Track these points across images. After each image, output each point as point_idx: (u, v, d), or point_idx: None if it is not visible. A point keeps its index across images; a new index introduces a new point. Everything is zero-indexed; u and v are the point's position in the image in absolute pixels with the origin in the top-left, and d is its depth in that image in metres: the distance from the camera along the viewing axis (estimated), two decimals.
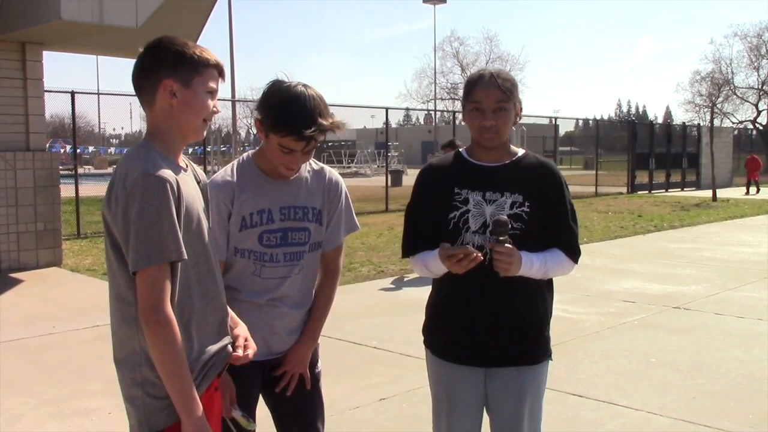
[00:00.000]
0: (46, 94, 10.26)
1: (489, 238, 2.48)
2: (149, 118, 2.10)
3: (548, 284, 2.65)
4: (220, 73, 2.12)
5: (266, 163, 2.53)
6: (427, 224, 2.61)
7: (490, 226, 2.46)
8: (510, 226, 2.42)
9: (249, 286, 2.54)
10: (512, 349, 2.56)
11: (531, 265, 2.47)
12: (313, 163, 2.66)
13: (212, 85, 2.09)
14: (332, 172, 2.70)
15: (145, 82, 2.06)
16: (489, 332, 2.55)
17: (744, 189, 27.42)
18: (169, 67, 2.03)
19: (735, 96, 41.03)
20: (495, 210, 2.52)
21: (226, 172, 2.55)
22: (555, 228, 2.58)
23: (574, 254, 2.60)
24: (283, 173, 2.51)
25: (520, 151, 2.65)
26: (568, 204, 2.60)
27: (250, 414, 2.52)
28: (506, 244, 2.40)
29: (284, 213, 2.53)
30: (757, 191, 26.88)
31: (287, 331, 2.61)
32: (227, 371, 2.30)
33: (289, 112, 2.36)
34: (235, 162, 2.60)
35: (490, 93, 2.50)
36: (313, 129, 2.37)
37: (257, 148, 2.61)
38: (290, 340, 2.63)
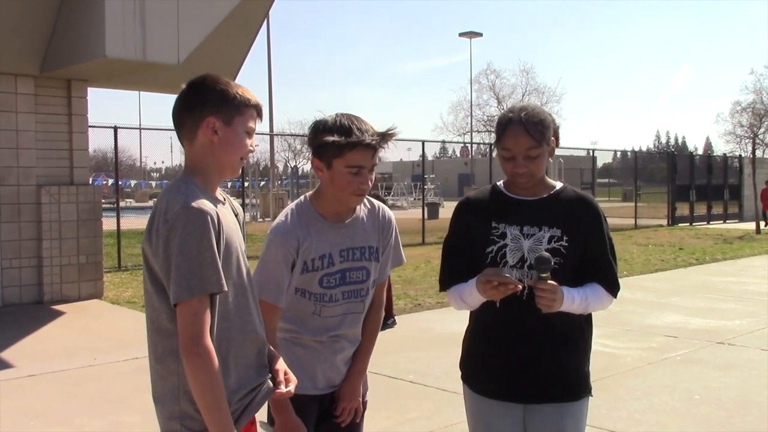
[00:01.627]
0: (89, 129, 10.51)
1: (527, 274, 2.46)
2: (188, 152, 2.14)
3: (587, 319, 2.61)
4: (259, 113, 2.18)
5: (325, 206, 2.55)
6: (464, 258, 2.60)
7: (534, 262, 2.42)
8: (551, 264, 2.38)
9: (310, 324, 2.56)
10: (551, 385, 2.52)
11: (572, 301, 2.44)
12: (366, 201, 2.67)
13: (251, 125, 2.15)
14: (385, 208, 2.72)
15: (187, 118, 2.10)
16: (527, 367, 2.52)
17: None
18: (212, 106, 2.08)
19: None
20: (533, 244, 2.49)
21: (287, 219, 2.54)
22: (594, 262, 2.54)
23: (613, 289, 2.56)
24: (353, 203, 2.54)
25: (558, 185, 2.63)
26: (606, 238, 2.57)
27: None
28: (549, 281, 2.37)
29: (343, 255, 2.55)
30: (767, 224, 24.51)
31: (345, 363, 2.67)
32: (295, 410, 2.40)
33: (348, 129, 2.40)
34: (294, 206, 2.60)
35: (519, 141, 2.46)
36: (376, 135, 2.42)
37: (313, 190, 2.62)
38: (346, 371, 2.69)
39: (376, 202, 2.70)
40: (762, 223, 24.24)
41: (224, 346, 2.04)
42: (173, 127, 2.16)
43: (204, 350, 1.92)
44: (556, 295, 2.37)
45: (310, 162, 2.56)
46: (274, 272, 2.42)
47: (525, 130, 2.45)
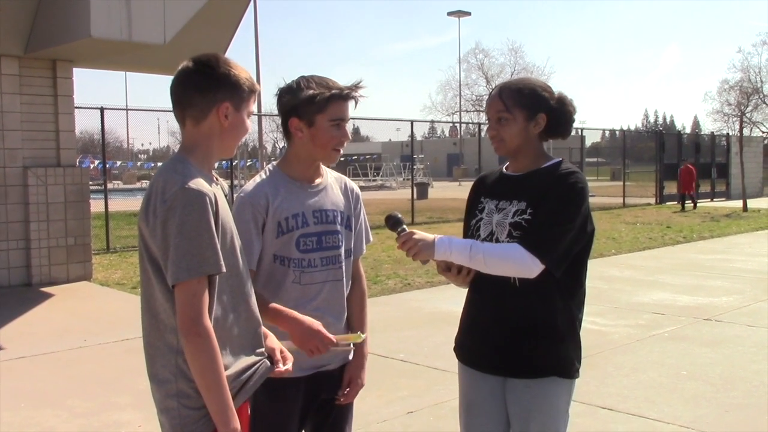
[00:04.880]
0: (75, 110, 10.43)
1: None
2: (190, 132, 2.13)
3: (565, 298, 2.53)
4: (257, 97, 2.22)
5: (294, 169, 2.58)
6: (466, 232, 2.71)
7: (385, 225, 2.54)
8: (397, 219, 2.50)
9: (290, 295, 2.53)
10: (512, 358, 2.53)
11: (448, 248, 2.45)
12: (333, 172, 2.74)
13: (252, 109, 2.19)
14: (350, 181, 2.79)
15: (198, 99, 2.09)
16: (493, 339, 2.56)
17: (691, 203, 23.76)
18: (227, 91, 2.10)
19: (764, 105, 40.42)
20: (501, 218, 2.53)
21: (256, 181, 2.58)
22: (529, 226, 2.46)
23: (536, 251, 2.40)
24: (332, 159, 2.58)
25: (553, 161, 2.59)
26: (560, 206, 2.45)
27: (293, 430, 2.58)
28: (402, 233, 2.46)
29: (317, 216, 2.57)
30: (694, 206, 23.36)
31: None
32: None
33: (326, 84, 2.49)
34: (263, 172, 2.64)
35: (492, 105, 2.57)
36: (351, 86, 2.51)
37: (281, 158, 2.66)
38: (335, 352, 2.63)
39: (342, 175, 2.79)
40: (690, 204, 23.46)
41: (220, 325, 2.05)
42: (172, 104, 2.14)
43: (204, 331, 1.93)
44: (411, 242, 2.43)
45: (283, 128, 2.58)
46: (242, 232, 2.40)
47: (498, 94, 2.56)
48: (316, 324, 2.41)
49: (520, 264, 2.41)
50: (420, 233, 2.47)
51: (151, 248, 2.00)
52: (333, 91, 2.47)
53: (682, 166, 24.06)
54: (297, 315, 2.43)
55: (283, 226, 2.50)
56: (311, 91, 2.46)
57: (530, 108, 2.52)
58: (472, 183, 2.86)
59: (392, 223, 2.51)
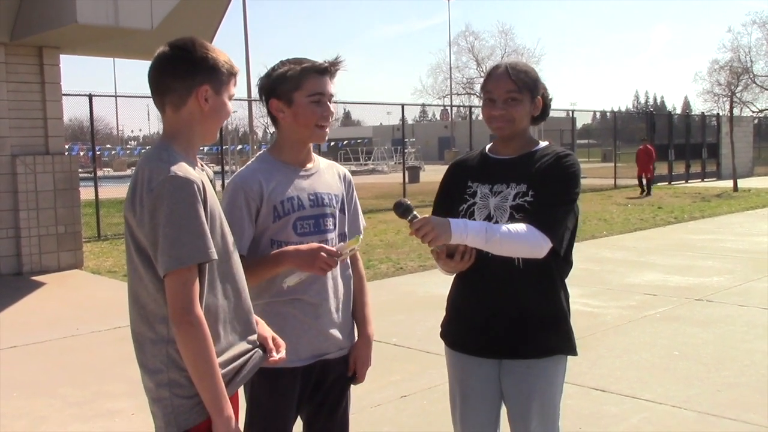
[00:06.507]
0: (63, 97, 10.35)
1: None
2: (171, 119, 2.10)
3: (561, 276, 2.59)
4: (236, 78, 2.19)
5: (285, 153, 2.57)
6: (445, 215, 2.59)
7: (394, 211, 2.44)
8: (407, 206, 2.37)
9: (289, 281, 2.51)
10: (516, 340, 2.53)
11: (464, 233, 2.36)
12: (324, 159, 2.74)
13: (233, 91, 2.16)
14: (342, 167, 2.79)
15: (177, 84, 2.06)
16: (493, 323, 2.54)
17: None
18: (205, 74, 2.07)
19: (755, 84, 40.50)
20: (499, 202, 2.51)
21: (248, 167, 2.57)
22: (537, 206, 2.46)
23: (548, 231, 2.41)
24: (318, 137, 2.56)
25: (543, 144, 2.62)
26: (562, 186, 2.48)
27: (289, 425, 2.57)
28: (416, 220, 2.35)
29: (312, 199, 2.55)
30: (647, 192, 21.24)
31: (333, 329, 2.60)
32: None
33: (301, 61, 2.51)
34: (254, 159, 2.63)
35: (501, 83, 2.53)
36: (327, 60, 2.51)
37: (270, 145, 2.66)
38: (340, 342, 2.62)
39: (332, 161, 2.79)
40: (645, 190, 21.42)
41: (212, 313, 2.03)
42: (151, 92, 2.11)
43: (196, 319, 1.91)
44: (427, 228, 2.32)
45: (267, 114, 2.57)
46: (234, 218, 2.40)
47: (507, 74, 2.53)
48: (315, 244, 2.42)
49: (533, 244, 2.41)
50: (434, 218, 2.38)
51: (138, 238, 1.98)
52: (304, 65, 2.47)
53: (641, 146, 22.20)
54: (293, 246, 2.44)
55: (279, 210, 2.49)
56: (283, 70, 2.47)
57: (533, 91, 2.56)
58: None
59: (402, 210, 2.39)
